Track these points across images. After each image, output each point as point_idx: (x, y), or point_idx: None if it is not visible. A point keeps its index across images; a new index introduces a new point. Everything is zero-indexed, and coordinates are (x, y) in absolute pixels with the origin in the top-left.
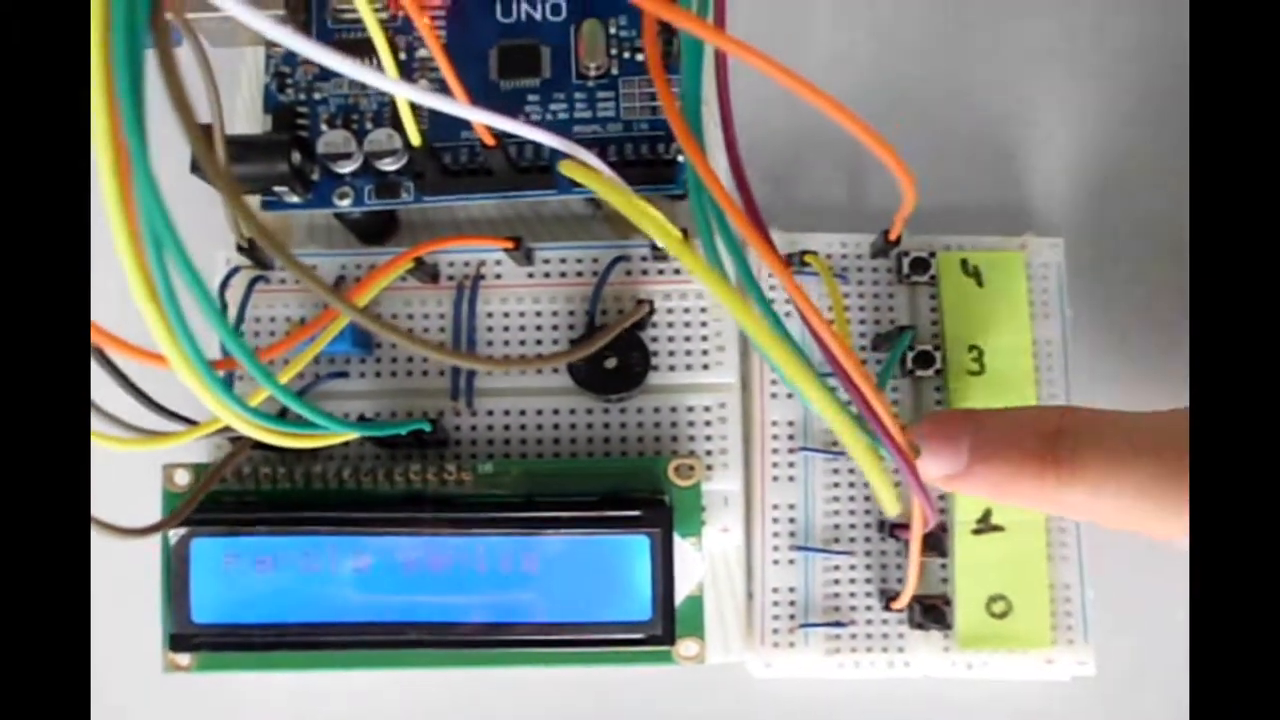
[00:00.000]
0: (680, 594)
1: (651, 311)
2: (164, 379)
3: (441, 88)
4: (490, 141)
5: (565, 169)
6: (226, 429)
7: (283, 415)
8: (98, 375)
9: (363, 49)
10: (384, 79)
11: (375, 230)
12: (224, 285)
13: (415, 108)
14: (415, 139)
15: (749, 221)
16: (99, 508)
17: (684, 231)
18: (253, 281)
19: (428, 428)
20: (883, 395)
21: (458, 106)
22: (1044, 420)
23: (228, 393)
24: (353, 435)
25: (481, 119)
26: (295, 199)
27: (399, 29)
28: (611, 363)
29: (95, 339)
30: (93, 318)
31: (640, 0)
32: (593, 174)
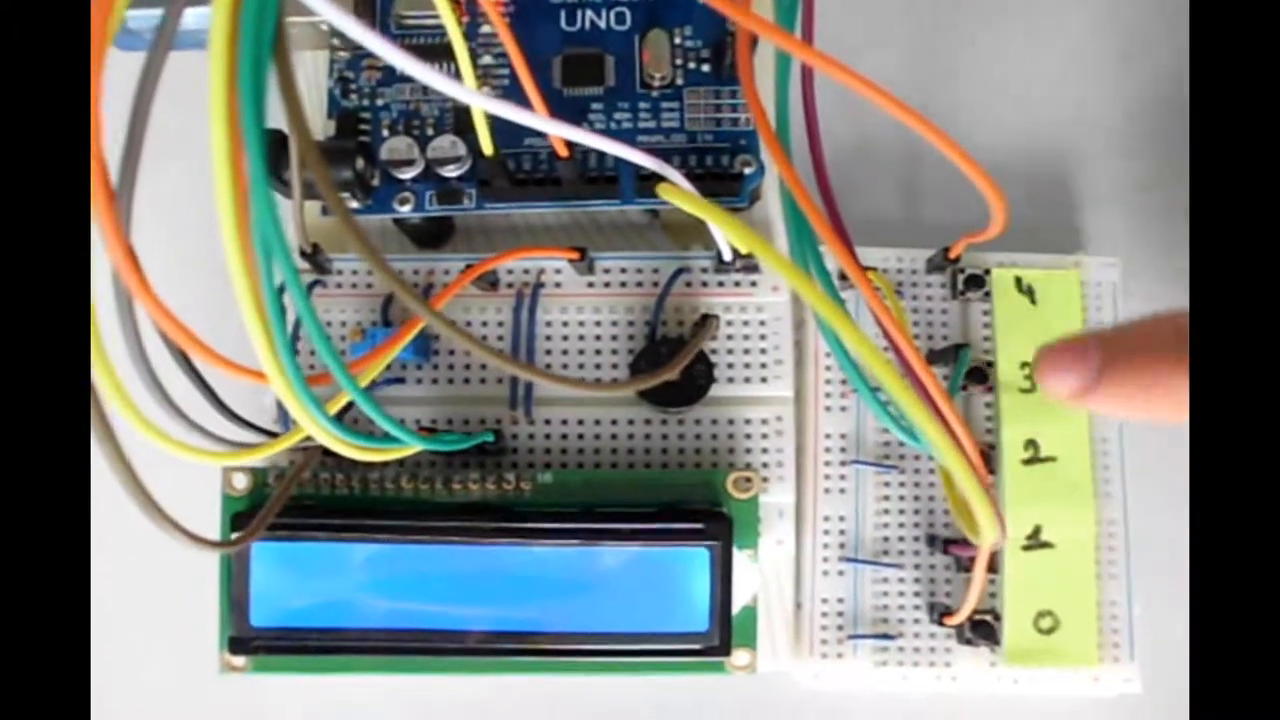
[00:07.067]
0: (736, 605)
1: (717, 326)
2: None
3: (506, 93)
4: (564, 153)
5: (664, 193)
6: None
7: (340, 417)
8: (183, 386)
9: (428, 55)
10: (479, 97)
11: (431, 235)
12: (281, 289)
13: (485, 115)
14: (488, 148)
15: (835, 234)
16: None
17: None
18: (310, 286)
19: (491, 438)
20: (955, 406)
21: (549, 123)
22: (1175, 320)
23: (320, 410)
24: (421, 448)
25: (575, 136)
26: (355, 204)
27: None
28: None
29: (185, 345)
30: (183, 324)
31: (739, 16)
32: (688, 196)
